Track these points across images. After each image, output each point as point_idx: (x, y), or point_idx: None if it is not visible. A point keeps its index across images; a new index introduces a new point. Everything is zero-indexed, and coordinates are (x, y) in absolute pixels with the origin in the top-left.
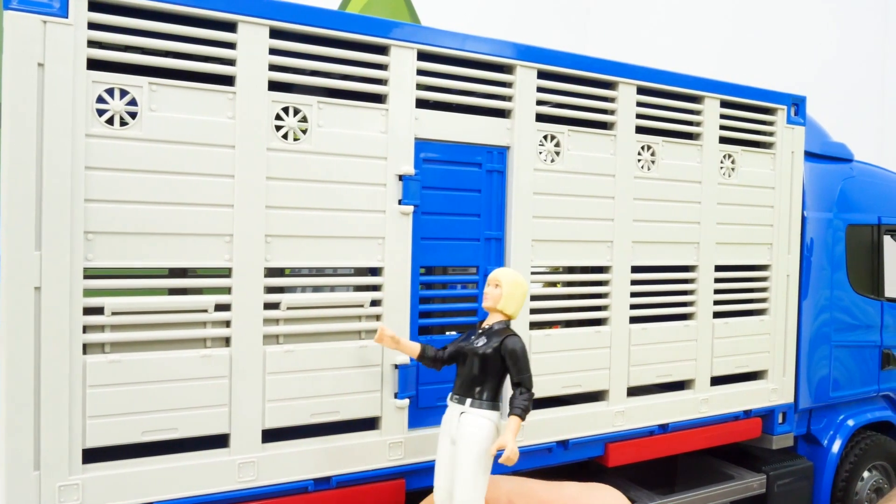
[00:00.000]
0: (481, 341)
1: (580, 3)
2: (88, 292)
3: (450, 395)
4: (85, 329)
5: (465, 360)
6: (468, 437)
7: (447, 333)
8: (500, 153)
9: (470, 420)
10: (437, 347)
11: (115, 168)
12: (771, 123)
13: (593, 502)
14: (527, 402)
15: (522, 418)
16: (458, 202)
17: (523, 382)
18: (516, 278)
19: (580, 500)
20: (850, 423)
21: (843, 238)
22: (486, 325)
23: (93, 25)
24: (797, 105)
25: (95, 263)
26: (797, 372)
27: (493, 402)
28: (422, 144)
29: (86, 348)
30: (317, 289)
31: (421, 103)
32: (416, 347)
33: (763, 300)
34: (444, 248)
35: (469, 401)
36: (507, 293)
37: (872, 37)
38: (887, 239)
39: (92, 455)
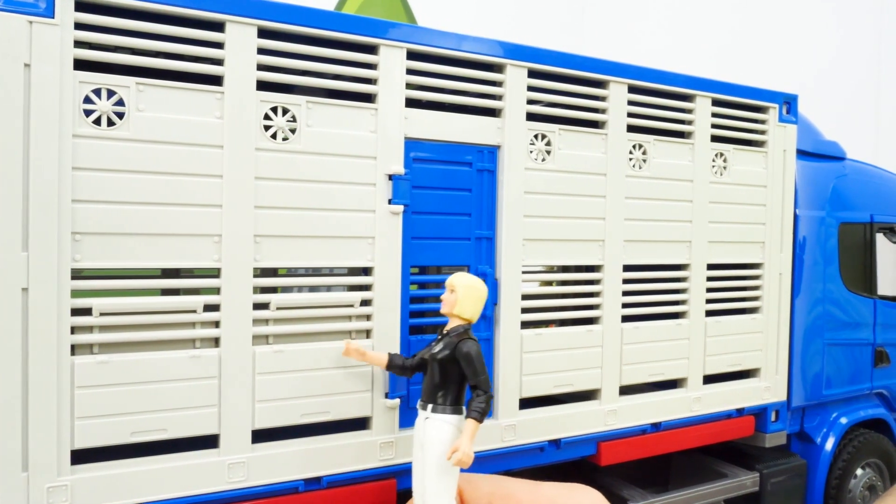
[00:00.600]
0: (439, 347)
1: (576, 3)
2: (76, 293)
3: (418, 401)
4: (73, 330)
5: (427, 366)
6: (431, 442)
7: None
8: (491, 152)
9: (432, 425)
10: (406, 356)
11: (102, 168)
12: (763, 122)
13: (572, 503)
14: (483, 405)
15: (479, 420)
16: (448, 201)
17: (479, 385)
18: (471, 282)
19: (559, 500)
20: (844, 420)
21: (836, 236)
22: (445, 330)
23: (79, 25)
24: (789, 103)
25: (83, 264)
26: (790, 370)
27: (456, 407)
28: (412, 144)
29: (74, 349)
30: (308, 289)
31: (411, 102)
32: (383, 358)
33: (755, 298)
34: (435, 247)
35: (430, 406)
36: (462, 297)
37: (868, 36)
38: (879, 237)
39: (81, 456)
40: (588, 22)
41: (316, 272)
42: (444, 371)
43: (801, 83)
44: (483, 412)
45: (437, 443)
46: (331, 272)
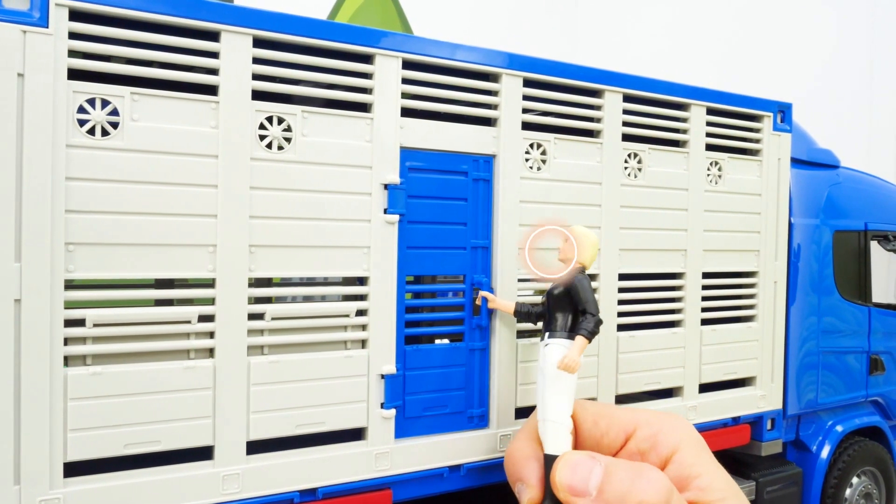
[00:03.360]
0: (558, 287)
1: (569, 11)
2: (69, 304)
3: (540, 337)
4: (66, 341)
5: (547, 303)
6: (549, 363)
7: (436, 342)
8: (487, 161)
9: (550, 350)
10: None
11: (96, 178)
12: (757, 130)
13: (664, 427)
14: (590, 325)
15: (587, 338)
16: (444, 211)
17: (587, 309)
18: (583, 230)
19: (653, 421)
20: (839, 428)
21: (830, 244)
22: None
23: (74, 35)
24: (783, 112)
25: (76, 275)
26: (785, 378)
27: (569, 333)
28: (407, 153)
29: (67, 360)
30: (303, 299)
31: (406, 112)
32: (510, 305)
33: (751, 307)
34: (431, 256)
35: (548, 334)
36: (577, 243)
37: (860, 44)
38: (874, 244)
39: (73, 469)
40: (582, 29)
41: (311, 282)
42: (559, 304)
43: (795, 91)
44: (590, 331)
45: (553, 361)
46: (325, 281)
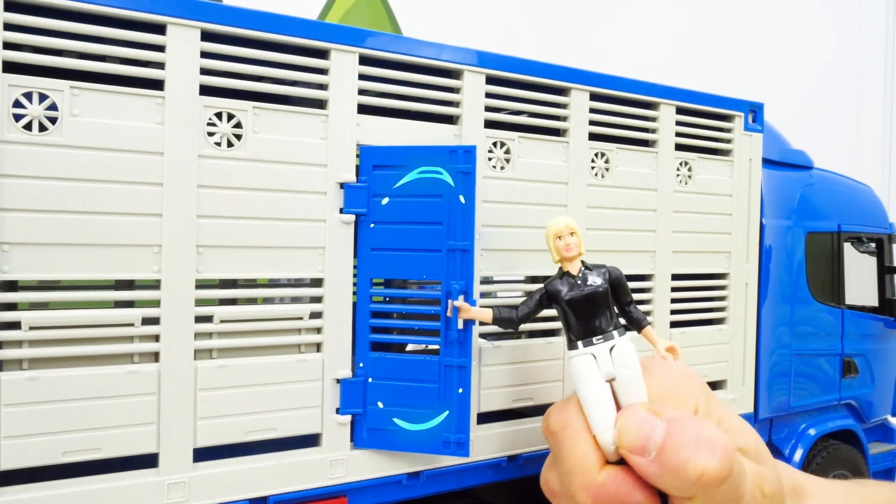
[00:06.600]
0: (596, 281)
1: (560, 12)
2: (4, 306)
3: (582, 341)
4: (0, 345)
5: (583, 305)
6: (634, 359)
7: (408, 349)
8: None
9: (625, 347)
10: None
11: (33, 176)
12: (728, 130)
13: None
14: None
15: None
16: (411, 210)
17: (633, 300)
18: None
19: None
20: (812, 432)
21: (803, 246)
22: (577, 270)
23: (9, 26)
24: (755, 112)
25: (11, 276)
26: (757, 381)
27: (623, 328)
28: (366, 150)
29: (1, 365)
30: (253, 301)
31: (365, 109)
32: (487, 313)
33: (721, 309)
34: (398, 259)
35: (615, 332)
36: (581, 238)
37: (848, 48)
38: (847, 246)
39: (7, 478)
40: (572, 31)
41: (276, 283)
42: (607, 299)
43: (785, 94)
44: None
45: (636, 357)
46: (273, 282)
